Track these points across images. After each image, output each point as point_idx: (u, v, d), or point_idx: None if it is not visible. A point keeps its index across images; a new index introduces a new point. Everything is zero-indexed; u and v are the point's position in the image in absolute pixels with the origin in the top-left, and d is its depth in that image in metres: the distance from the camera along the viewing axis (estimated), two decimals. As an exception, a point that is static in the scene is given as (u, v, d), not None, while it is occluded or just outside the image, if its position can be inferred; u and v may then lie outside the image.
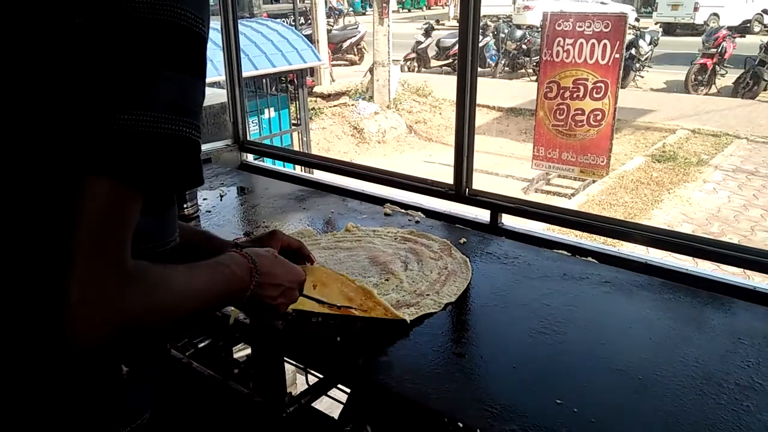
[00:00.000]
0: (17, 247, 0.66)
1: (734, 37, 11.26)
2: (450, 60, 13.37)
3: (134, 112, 0.59)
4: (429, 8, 30.79)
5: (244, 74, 3.10)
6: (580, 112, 3.15)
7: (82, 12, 0.58)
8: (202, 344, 1.63)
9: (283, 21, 10.01)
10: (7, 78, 0.61)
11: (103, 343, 0.64)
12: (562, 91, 3.09)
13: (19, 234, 0.65)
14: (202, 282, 0.79)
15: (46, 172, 0.62)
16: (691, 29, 16.64)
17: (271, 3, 20.27)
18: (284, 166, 2.91)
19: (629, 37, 10.63)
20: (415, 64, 14.01)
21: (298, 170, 2.99)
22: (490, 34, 13.24)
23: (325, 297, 1.27)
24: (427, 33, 14.04)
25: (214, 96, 3.22)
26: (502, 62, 13.30)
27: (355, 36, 14.74)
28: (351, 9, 25.79)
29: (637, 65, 11.23)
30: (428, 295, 1.42)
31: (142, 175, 0.62)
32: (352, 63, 14.67)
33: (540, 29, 4.48)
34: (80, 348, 0.63)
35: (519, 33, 13.01)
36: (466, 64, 1.93)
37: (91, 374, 0.73)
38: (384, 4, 10.06)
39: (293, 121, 6.33)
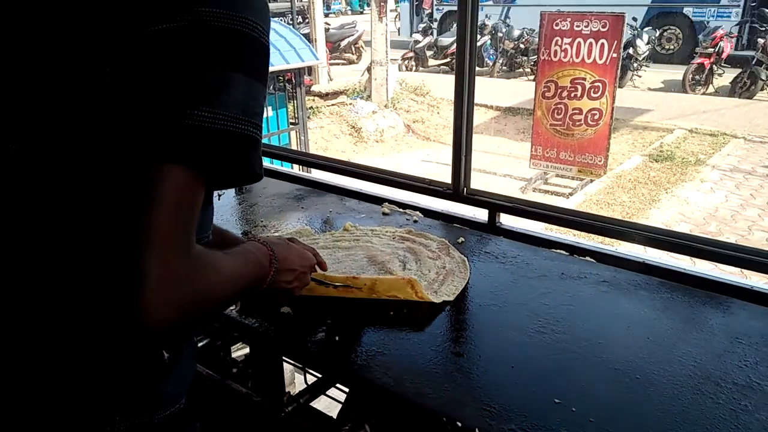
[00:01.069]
0: (81, 235, 0.69)
1: (731, 37, 11.28)
2: (448, 59, 13.36)
3: (211, 110, 0.65)
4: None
5: (242, 73, 3.09)
6: (577, 111, 3.16)
7: (165, 19, 0.64)
8: (200, 343, 1.63)
9: (281, 20, 10.02)
10: (88, 76, 0.65)
11: (175, 324, 0.68)
12: (559, 90, 3.09)
13: (85, 222, 0.68)
14: (239, 267, 0.84)
15: (117, 163, 0.66)
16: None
17: (269, 1, 20.21)
18: (282, 166, 2.90)
19: (627, 36, 10.64)
20: (413, 63, 14.01)
21: (296, 169, 2.98)
22: (488, 34, 13.25)
23: (329, 279, 1.35)
24: (425, 32, 14.05)
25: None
26: (500, 61, 13.29)
27: (352, 35, 14.74)
28: (349, 8, 25.79)
29: (635, 65, 11.24)
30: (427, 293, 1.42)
31: (214, 167, 0.67)
32: (350, 62, 14.67)
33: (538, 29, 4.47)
34: (155, 328, 0.66)
35: (517, 32, 13.01)
36: (463, 63, 1.93)
37: (136, 359, 0.75)
38: (382, 3, 10.04)
39: (291, 120, 6.32)
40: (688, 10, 13.06)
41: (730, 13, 12.46)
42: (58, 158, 0.67)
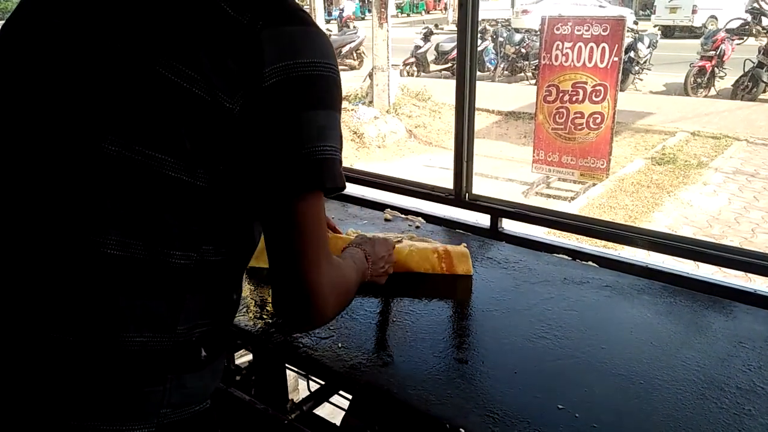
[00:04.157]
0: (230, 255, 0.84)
1: (733, 40, 11.27)
2: (449, 64, 13.36)
3: (327, 144, 0.80)
4: (428, 13, 30.86)
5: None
6: (579, 115, 3.16)
7: (281, 72, 0.76)
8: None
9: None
10: (220, 117, 0.75)
11: (337, 314, 0.92)
12: (561, 94, 3.09)
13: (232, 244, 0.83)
14: (353, 269, 1.10)
15: (256, 195, 0.80)
16: (690, 32, 16.68)
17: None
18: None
19: (628, 40, 10.63)
20: (415, 68, 14.02)
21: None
22: (489, 38, 13.25)
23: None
24: (426, 37, 14.05)
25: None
26: (501, 66, 13.29)
27: (354, 41, 14.76)
28: (351, 13, 25.84)
29: (636, 68, 11.24)
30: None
31: (330, 188, 0.82)
32: (352, 68, 14.67)
33: (538, 33, 4.49)
34: (326, 320, 0.87)
35: (518, 37, 13.01)
36: (465, 68, 1.93)
37: (180, 355, 0.80)
38: (383, 9, 10.06)
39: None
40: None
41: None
42: (173, 175, 0.75)
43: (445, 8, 27.60)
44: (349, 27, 16.77)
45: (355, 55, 14.90)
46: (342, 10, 23.36)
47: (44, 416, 0.74)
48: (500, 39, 13.16)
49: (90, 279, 0.74)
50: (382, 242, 1.34)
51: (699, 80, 10.80)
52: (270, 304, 1.43)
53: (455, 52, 2.66)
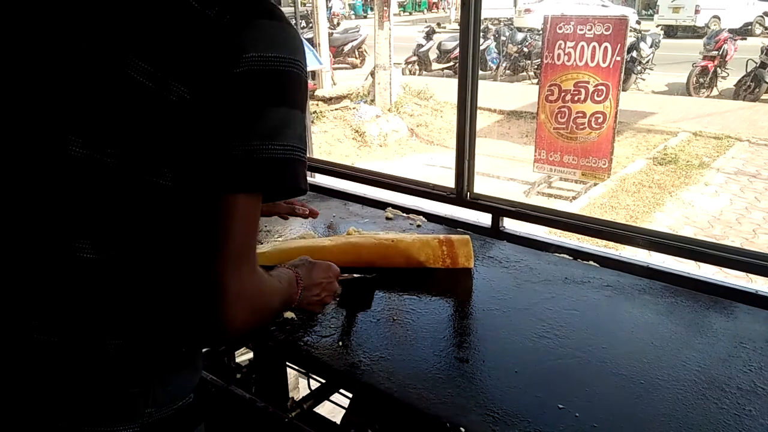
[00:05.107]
0: (165, 254, 0.78)
1: (735, 40, 11.25)
2: (451, 63, 13.35)
3: (280, 143, 0.76)
4: (430, 11, 30.83)
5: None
6: (581, 115, 3.15)
7: (243, 64, 0.73)
8: (204, 349, 1.63)
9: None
10: (174, 110, 0.72)
11: (246, 330, 0.78)
12: (563, 94, 3.08)
13: (167, 243, 0.77)
14: (279, 286, 0.97)
15: (193, 188, 0.74)
16: (693, 32, 16.65)
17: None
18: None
19: (630, 39, 10.61)
20: (417, 67, 14.01)
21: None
22: (491, 37, 13.24)
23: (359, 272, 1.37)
24: (429, 36, 14.04)
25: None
26: (504, 65, 13.28)
27: (356, 39, 14.74)
28: (353, 12, 25.85)
29: (639, 68, 11.22)
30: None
31: (278, 191, 0.78)
32: (354, 66, 14.66)
33: (541, 32, 4.49)
34: (233, 335, 0.76)
35: (520, 36, 12.99)
36: (467, 67, 1.93)
37: (165, 352, 0.81)
38: (385, 8, 10.05)
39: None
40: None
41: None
42: (143, 176, 0.73)
43: (447, 7, 27.56)
44: (336, 24, 16.75)
45: (357, 53, 14.89)
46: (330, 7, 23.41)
47: (31, 419, 0.75)
48: (503, 38, 13.15)
49: (67, 282, 0.74)
50: (323, 267, 1.20)
51: (701, 80, 10.78)
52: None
53: (457, 50, 2.66)
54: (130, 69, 0.72)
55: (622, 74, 3.09)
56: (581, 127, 3.21)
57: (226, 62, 0.72)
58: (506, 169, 7.82)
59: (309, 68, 6.15)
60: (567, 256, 1.74)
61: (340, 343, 1.28)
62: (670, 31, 17.04)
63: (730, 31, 11.53)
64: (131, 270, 0.76)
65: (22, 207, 0.74)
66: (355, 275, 1.33)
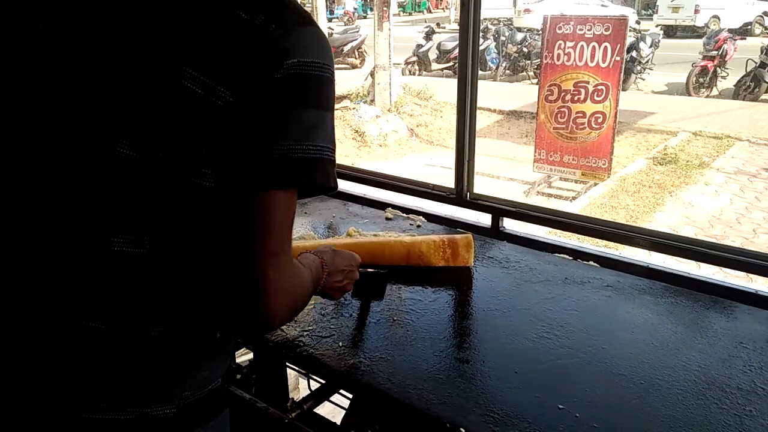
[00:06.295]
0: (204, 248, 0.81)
1: (735, 40, 11.24)
2: (451, 63, 13.34)
3: (313, 144, 0.80)
4: (430, 11, 30.84)
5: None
6: (581, 114, 3.15)
7: (283, 70, 0.77)
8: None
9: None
10: (218, 114, 0.76)
11: (287, 320, 0.87)
12: (563, 94, 3.08)
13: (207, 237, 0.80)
14: (309, 273, 1.04)
15: (233, 185, 0.78)
16: (692, 32, 16.66)
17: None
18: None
19: (630, 39, 10.61)
20: (416, 67, 14.01)
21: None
22: (491, 37, 13.24)
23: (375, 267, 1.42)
24: (428, 36, 14.04)
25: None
26: (503, 65, 13.28)
27: (356, 39, 14.74)
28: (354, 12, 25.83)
29: (638, 68, 11.22)
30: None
31: (310, 188, 0.82)
32: (354, 66, 14.66)
33: (540, 32, 4.48)
34: (275, 325, 0.82)
35: (520, 36, 12.99)
36: (466, 67, 1.93)
37: (199, 340, 0.85)
38: (385, 8, 10.05)
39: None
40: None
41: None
42: (188, 178, 0.77)
43: (447, 7, 27.56)
44: (351, 23, 16.75)
45: (356, 53, 14.88)
46: (344, 5, 23.41)
47: (77, 398, 0.78)
48: (502, 38, 13.15)
49: (112, 273, 0.78)
50: (345, 255, 1.26)
51: (701, 80, 10.78)
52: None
53: (457, 51, 2.66)
54: (184, 79, 0.75)
55: (622, 74, 3.09)
56: (581, 127, 3.21)
57: (269, 68, 0.76)
58: (506, 169, 7.82)
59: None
60: (567, 257, 1.74)
61: (341, 344, 1.28)
62: (670, 31, 17.04)
63: (730, 30, 11.52)
64: (172, 263, 0.80)
65: (71, 202, 0.77)
66: (369, 269, 1.38)
